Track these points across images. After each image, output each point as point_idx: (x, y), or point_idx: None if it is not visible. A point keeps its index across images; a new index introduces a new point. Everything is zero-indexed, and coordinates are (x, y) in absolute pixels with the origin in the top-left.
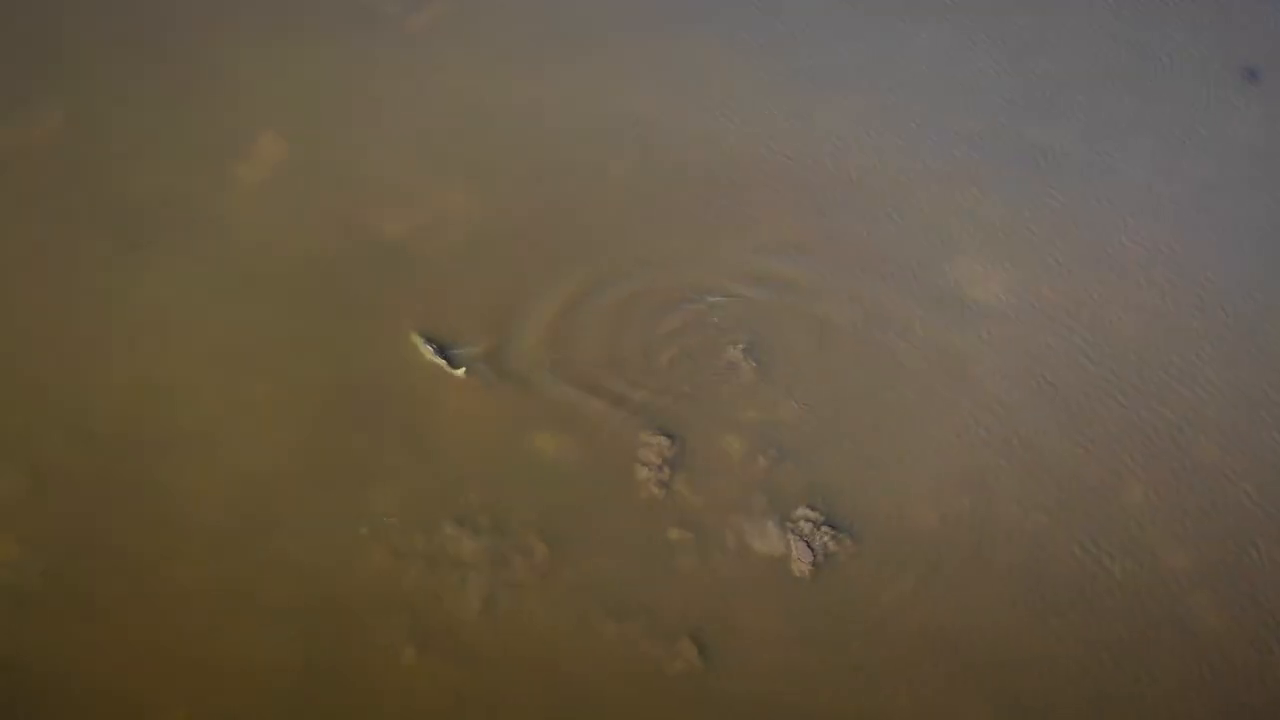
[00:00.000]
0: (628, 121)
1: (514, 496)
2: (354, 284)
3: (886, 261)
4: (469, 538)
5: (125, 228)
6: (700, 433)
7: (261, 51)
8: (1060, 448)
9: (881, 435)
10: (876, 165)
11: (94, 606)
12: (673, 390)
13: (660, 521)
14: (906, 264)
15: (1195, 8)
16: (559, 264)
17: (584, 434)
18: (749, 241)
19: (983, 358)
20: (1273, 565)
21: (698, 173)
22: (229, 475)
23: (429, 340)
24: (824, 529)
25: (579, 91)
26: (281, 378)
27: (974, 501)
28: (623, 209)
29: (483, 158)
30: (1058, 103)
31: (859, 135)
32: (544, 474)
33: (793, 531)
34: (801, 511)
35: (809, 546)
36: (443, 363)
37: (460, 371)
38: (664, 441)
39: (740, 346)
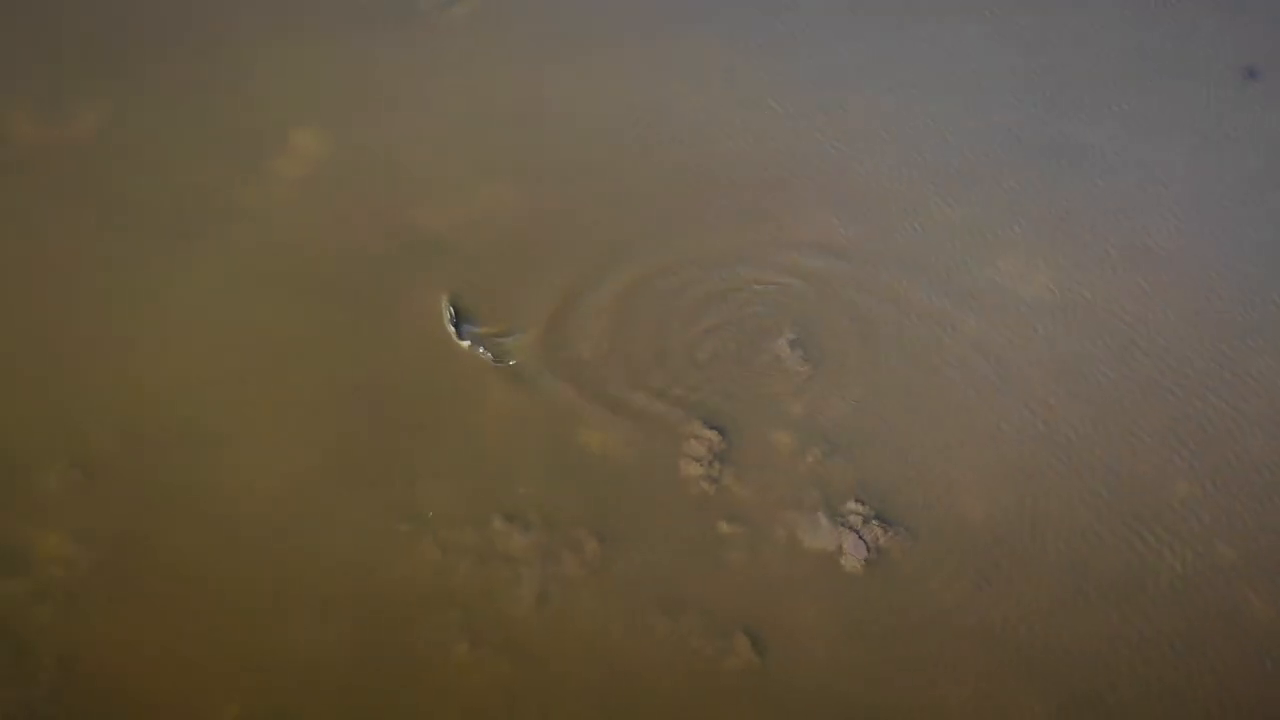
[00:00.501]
0: (664, 115)
1: (563, 492)
2: (396, 279)
3: (930, 254)
4: (519, 533)
5: (168, 225)
6: (748, 427)
7: (295, 48)
8: (1107, 440)
9: (929, 429)
10: (916, 160)
11: (145, 602)
12: (719, 384)
13: (710, 516)
14: (950, 259)
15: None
16: (599, 259)
17: (631, 429)
18: (792, 236)
19: (1028, 351)
20: None
21: (743, 170)
22: (276, 471)
23: (454, 312)
24: (875, 523)
25: (615, 87)
26: (326, 374)
27: (1023, 495)
28: (665, 204)
29: (524, 153)
30: (1085, 101)
31: (891, 131)
32: (592, 469)
33: (844, 525)
34: (852, 506)
35: (862, 541)
36: (452, 331)
37: (465, 345)
38: (713, 436)
39: (785, 340)
